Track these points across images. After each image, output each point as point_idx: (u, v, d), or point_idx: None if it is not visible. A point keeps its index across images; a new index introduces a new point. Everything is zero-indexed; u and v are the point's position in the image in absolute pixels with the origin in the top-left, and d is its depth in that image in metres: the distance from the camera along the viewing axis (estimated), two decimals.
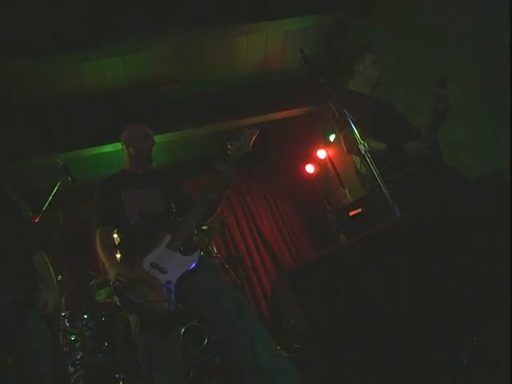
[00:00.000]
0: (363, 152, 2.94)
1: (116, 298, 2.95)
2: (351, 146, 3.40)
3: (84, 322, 4.50)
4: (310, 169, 8.08)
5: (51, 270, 3.08)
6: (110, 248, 3.19)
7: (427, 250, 2.07)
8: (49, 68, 5.35)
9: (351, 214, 4.77)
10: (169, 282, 2.85)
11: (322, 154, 7.74)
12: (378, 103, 3.84)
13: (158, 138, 3.64)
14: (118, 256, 3.27)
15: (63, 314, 4.44)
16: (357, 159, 3.72)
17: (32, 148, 6.02)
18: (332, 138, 7.36)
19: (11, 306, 2.73)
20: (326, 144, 7.60)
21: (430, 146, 3.35)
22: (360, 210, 4.72)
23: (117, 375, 4.28)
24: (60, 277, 4.74)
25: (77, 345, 4.39)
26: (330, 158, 7.74)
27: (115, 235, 3.37)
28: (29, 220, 3.54)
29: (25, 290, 2.86)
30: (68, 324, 4.48)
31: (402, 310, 1.98)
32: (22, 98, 5.69)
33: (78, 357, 4.31)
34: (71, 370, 4.23)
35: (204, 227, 3.64)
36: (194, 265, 2.95)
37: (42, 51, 4.91)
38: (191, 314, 4.31)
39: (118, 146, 3.60)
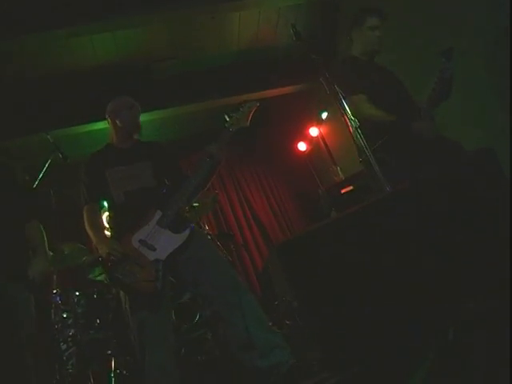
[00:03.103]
0: (354, 128, 2.93)
1: (104, 276, 2.96)
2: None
3: (76, 299, 4.49)
4: (302, 146, 8.05)
5: (45, 239, 3.09)
6: (98, 225, 3.19)
7: (415, 224, 2.07)
8: (39, 44, 5.30)
9: (343, 191, 4.78)
10: (157, 260, 2.84)
11: (314, 131, 7.71)
12: (380, 72, 3.72)
13: (149, 116, 3.62)
14: (108, 234, 3.27)
15: (55, 291, 4.44)
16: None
17: (22, 125, 5.97)
18: (324, 115, 7.33)
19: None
20: (319, 122, 7.57)
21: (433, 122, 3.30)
22: (351, 187, 4.73)
23: (109, 352, 4.29)
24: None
25: (69, 322, 4.38)
26: (322, 136, 7.72)
27: (106, 213, 3.36)
28: (23, 190, 3.54)
29: (13, 264, 2.87)
30: (60, 301, 4.47)
31: (389, 283, 1.99)
32: (12, 75, 5.63)
33: (70, 334, 4.30)
34: (63, 346, 4.23)
35: (195, 204, 3.63)
36: (184, 242, 2.94)
37: (31, 27, 4.85)
38: (183, 290, 4.33)
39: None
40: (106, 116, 3.47)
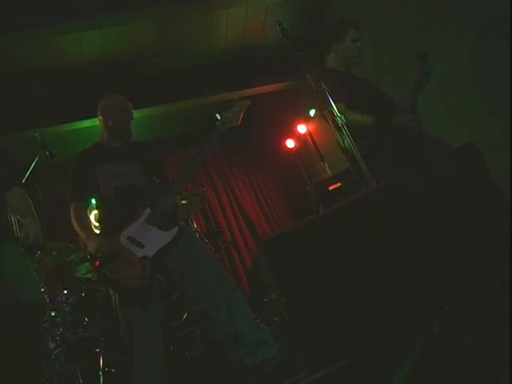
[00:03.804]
0: (340, 125, 2.95)
1: (92, 273, 2.95)
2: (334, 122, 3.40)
3: (64, 298, 4.49)
4: (290, 144, 8.07)
5: (30, 202, 2.95)
6: (85, 222, 3.18)
7: (401, 219, 2.09)
8: (26, 42, 5.26)
9: (330, 188, 4.78)
10: (145, 257, 2.84)
11: (302, 128, 7.72)
12: (356, 80, 3.80)
13: (137, 113, 3.60)
14: (97, 231, 3.27)
15: (43, 289, 4.43)
16: (339, 135, 3.71)
17: (9, 123, 5.93)
18: (312, 112, 7.33)
19: None
20: (306, 119, 7.58)
21: (416, 117, 3.37)
22: (339, 184, 4.73)
23: (97, 350, 4.29)
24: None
25: (57, 320, 4.38)
26: (310, 133, 7.73)
27: (94, 211, 3.36)
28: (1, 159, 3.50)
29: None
30: (48, 300, 4.46)
31: (376, 277, 2.01)
32: None
33: (58, 332, 4.29)
34: (51, 345, 4.22)
35: (183, 201, 3.63)
36: (172, 240, 2.94)
37: (18, 25, 4.82)
38: (171, 287, 4.34)
39: (97, 121, 3.56)
40: (98, 113, 3.45)
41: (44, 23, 4.92)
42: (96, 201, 3.26)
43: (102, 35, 5.54)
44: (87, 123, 6.17)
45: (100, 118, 3.44)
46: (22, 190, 3.05)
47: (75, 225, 3.13)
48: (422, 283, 1.97)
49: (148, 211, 3.00)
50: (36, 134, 4.88)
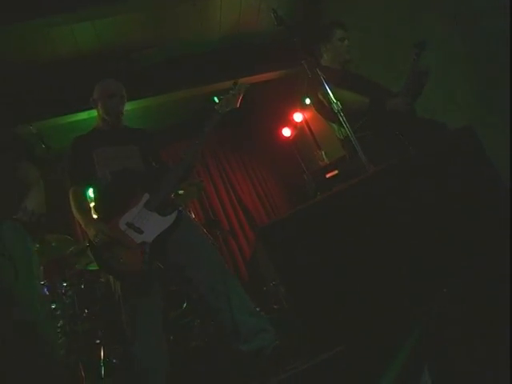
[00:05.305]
0: (336, 111, 2.95)
1: (93, 263, 2.94)
2: (328, 113, 3.42)
3: (63, 290, 4.50)
4: (286, 132, 8.05)
5: (38, 176, 2.96)
6: (84, 207, 3.16)
7: (398, 203, 2.10)
8: (19, 35, 5.24)
9: (328, 175, 4.78)
10: (144, 243, 2.83)
11: (298, 117, 7.71)
12: (351, 76, 3.91)
13: (131, 105, 3.59)
14: (95, 216, 3.25)
15: (42, 282, 4.43)
16: (334, 125, 3.75)
17: (4, 117, 5.91)
18: (308, 101, 7.32)
19: None
20: (303, 107, 7.57)
21: (410, 102, 3.41)
22: (336, 171, 4.73)
23: (98, 341, 4.31)
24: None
25: (57, 313, 4.39)
26: (306, 121, 7.72)
27: (91, 195, 3.33)
28: (14, 135, 3.52)
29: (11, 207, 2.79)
30: (48, 292, 4.47)
31: (374, 264, 2.01)
32: None
33: (59, 325, 4.31)
34: None
35: (180, 191, 3.62)
36: (171, 225, 2.93)
37: (11, 18, 4.80)
38: (170, 277, 4.34)
39: (93, 113, 3.55)
40: (92, 99, 3.43)
41: (37, 15, 4.90)
42: (93, 186, 3.23)
43: (94, 27, 5.51)
44: (83, 115, 6.15)
45: (93, 104, 3.42)
46: (32, 165, 3.07)
47: (74, 210, 3.11)
48: (420, 269, 1.98)
49: (147, 196, 2.97)
50: (31, 127, 4.86)
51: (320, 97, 3.62)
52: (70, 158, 3.27)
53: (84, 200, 3.22)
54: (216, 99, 3.17)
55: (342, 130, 3.15)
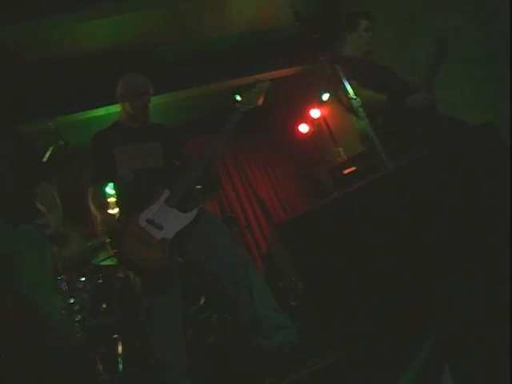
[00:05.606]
0: (355, 107, 2.94)
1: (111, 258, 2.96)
2: (348, 107, 3.42)
3: (82, 285, 4.53)
4: (303, 128, 8.01)
5: (56, 197, 3.14)
6: (102, 204, 3.18)
7: (417, 199, 2.07)
8: (39, 31, 5.27)
9: (345, 172, 4.75)
10: (164, 240, 2.82)
11: (315, 113, 7.67)
12: (373, 67, 3.88)
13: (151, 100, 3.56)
14: (116, 210, 3.26)
15: (60, 277, 4.46)
16: (354, 118, 3.74)
17: (23, 113, 5.95)
18: (325, 97, 7.29)
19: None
20: (320, 103, 7.53)
21: (431, 97, 3.40)
22: (354, 167, 4.70)
23: (116, 336, 4.33)
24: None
25: (75, 308, 4.41)
26: (323, 117, 7.68)
27: (112, 191, 3.34)
28: (35, 155, 3.60)
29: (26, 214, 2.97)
30: (66, 287, 4.50)
31: (392, 260, 1.99)
32: (12, 63, 5.61)
33: (77, 319, 4.33)
34: None
35: (198, 186, 3.60)
36: (191, 222, 2.92)
37: (31, 14, 4.83)
38: (188, 272, 4.35)
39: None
40: (117, 93, 3.40)
41: (57, 12, 4.93)
42: (114, 183, 3.24)
43: (114, 23, 5.52)
44: (101, 111, 6.17)
45: (118, 98, 3.39)
46: (50, 186, 3.21)
47: (92, 207, 3.14)
48: (444, 267, 1.95)
49: (167, 193, 2.97)
50: (50, 124, 4.90)
51: (340, 92, 3.60)
52: (91, 156, 3.27)
53: (101, 197, 3.24)
54: (238, 97, 3.15)
55: (361, 122, 3.14)
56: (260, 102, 3.18)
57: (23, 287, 2.82)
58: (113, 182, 3.25)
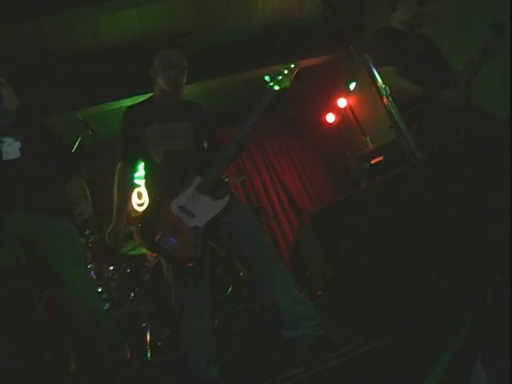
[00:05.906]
0: (385, 96, 2.89)
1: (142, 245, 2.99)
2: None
3: (110, 274, 4.59)
4: (330, 118, 7.99)
5: (87, 190, 3.36)
6: (124, 186, 3.22)
7: (446, 190, 2.04)
8: (65, 23, 5.32)
9: (373, 162, 4.71)
10: (196, 227, 2.80)
11: (342, 102, 7.63)
12: (418, 43, 3.72)
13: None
14: (145, 195, 3.26)
15: (89, 266, 4.52)
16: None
17: (51, 104, 6.02)
18: (352, 86, 7.25)
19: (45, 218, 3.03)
20: (347, 92, 7.49)
21: (466, 97, 3.29)
22: (381, 157, 4.66)
23: (144, 324, 4.38)
24: None
25: (104, 296, 4.47)
26: (350, 107, 7.64)
27: (141, 171, 3.32)
28: (65, 149, 3.73)
29: (58, 206, 3.15)
30: (94, 276, 4.56)
31: (423, 250, 1.97)
32: (39, 55, 5.68)
33: (106, 308, 4.39)
34: None
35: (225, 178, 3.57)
36: (223, 209, 2.89)
37: (57, 6, 4.88)
38: (219, 259, 4.38)
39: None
40: (153, 68, 3.35)
41: (82, 4, 4.97)
42: (145, 163, 3.20)
43: (139, 13, 5.55)
44: (127, 102, 6.19)
45: (153, 73, 3.34)
46: (81, 179, 3.40)
47: (115, 186, 3.15)
48: (472, 258, 1.92)
49: (198, 179, 2.92)
50: (78, 115, 4.95)
51: (369, 79, 3.52)
52: (121, 132, 3.21)
53: (127, 181, 3.24)
54: (267, 78, 3.11)
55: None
56: (290, 83, 3.15)
57: (58, 268, 2.96)
58: (144, 161, 3.22)
